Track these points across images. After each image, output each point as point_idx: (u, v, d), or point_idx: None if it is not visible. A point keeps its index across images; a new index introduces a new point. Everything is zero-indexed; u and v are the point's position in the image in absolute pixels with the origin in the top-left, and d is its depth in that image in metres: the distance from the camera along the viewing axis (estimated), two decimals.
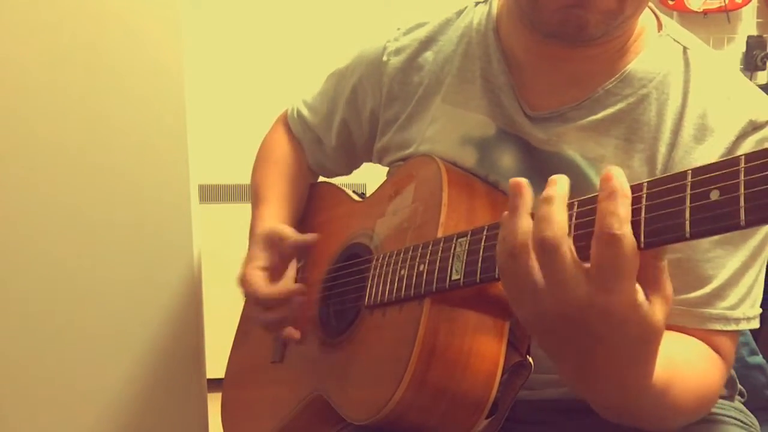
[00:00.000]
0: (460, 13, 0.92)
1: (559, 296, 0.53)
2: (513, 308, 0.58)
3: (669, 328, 0.73)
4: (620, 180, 0.52)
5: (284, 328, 0.92)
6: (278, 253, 0.94)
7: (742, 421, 0.86)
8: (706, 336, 0.75)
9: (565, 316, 0.53)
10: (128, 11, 1.14)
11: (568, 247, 0.52)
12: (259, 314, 0.93)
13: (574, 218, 0.55)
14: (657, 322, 0.54)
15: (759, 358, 1.00)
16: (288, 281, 0.92)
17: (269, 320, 0.92)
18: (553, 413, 0.83)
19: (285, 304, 0.90)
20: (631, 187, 0.52)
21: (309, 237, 0.93)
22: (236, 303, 1.05)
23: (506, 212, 0.56)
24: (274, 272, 0.93)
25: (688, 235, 0.48)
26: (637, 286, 0.52)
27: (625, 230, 0.50)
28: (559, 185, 0.55)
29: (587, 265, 0.52)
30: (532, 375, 0.70)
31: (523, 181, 0.57)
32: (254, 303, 0.92)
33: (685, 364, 0.68)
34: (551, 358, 0.60)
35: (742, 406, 0.90)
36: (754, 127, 0.75)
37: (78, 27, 1.13)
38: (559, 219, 0.53)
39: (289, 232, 0.94)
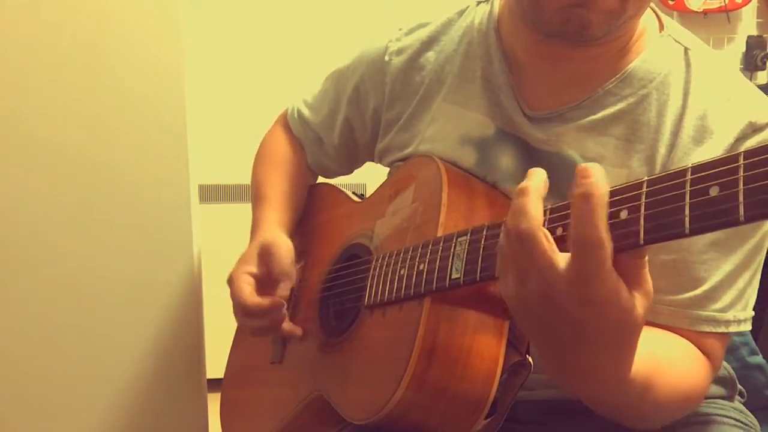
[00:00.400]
0: (461, 12, 0.92)
1: (541, 280, 0.54)
2: (501, 289, 0.59)
3: (658, 327, 0.74)
4: (596, 179, 0.51)
5: (281, 329, 0.92)
6: (267, 267, 0.95)
7: (741, 422, 0.86)
8: (695, 337, 0.75)
9: (546, 300, 0.54)
10: (128, 11, 1.14)
11: (543, 236, 0.53)
12: (242, 320, 0.95)
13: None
14: (637, 315, 0.54)
15: (759, 358, 1.00)
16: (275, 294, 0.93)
17: (252, 327, 0.95)
18: (552, 413, 0.83)
19: (267, 314, 0.91)
20: (631, 184, 0.52)
21: (290, 279, 0.94)
22: None
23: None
24: (264, 280, 0.94)
25: (687, 230, 0.48)
26: (617, 276, 0.52)
27: (600, 234, 0.50)
28: (535, 178, 0.56)
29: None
30: (532, 375, 0.70)
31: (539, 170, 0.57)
32: (237, 309, 0.94)
33: (667, 360, 0.68)
34: (536, 347, 0.61)
35: (741, 407, 0.90)
36: (753, 129, 0.75)
37: (78, 27, 1.13)
38: (532, 211, 0.54)
39: (283, 254, 0.94)
